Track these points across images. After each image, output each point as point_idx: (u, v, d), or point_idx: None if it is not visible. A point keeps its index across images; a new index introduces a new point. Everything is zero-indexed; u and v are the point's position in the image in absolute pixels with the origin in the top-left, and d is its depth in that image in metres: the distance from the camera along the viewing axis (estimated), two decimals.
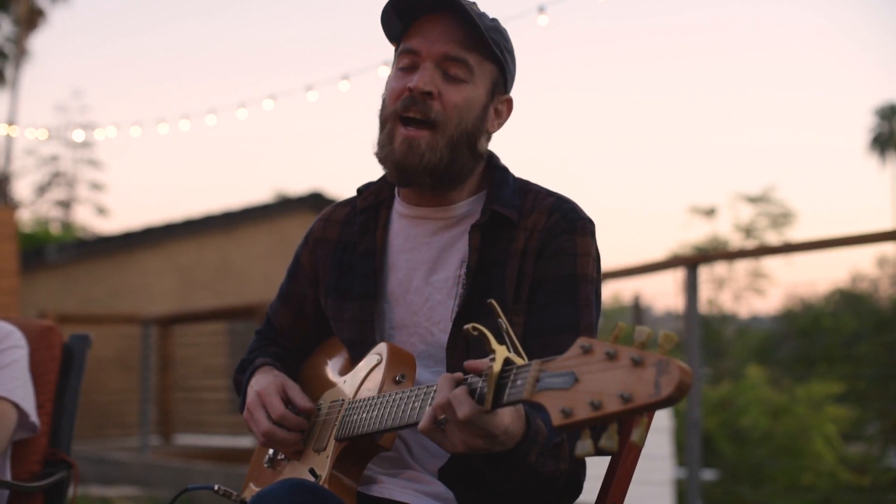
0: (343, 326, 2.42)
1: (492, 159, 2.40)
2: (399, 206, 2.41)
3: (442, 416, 1.89)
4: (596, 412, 1.58)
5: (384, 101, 2.32)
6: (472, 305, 2.24)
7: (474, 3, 2.31)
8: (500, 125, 2.37)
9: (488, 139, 2.36)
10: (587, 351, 1.64)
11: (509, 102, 2.38)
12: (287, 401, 2.35)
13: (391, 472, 2.29)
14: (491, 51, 2.26)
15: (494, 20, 2.32)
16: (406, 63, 2.28)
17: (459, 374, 1.92)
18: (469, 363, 1.90)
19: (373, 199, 2.45)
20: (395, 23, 2.31)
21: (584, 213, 2.31)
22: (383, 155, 2.29)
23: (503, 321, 1.88)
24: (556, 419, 1.63)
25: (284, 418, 2.31)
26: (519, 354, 1.84)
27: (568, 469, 2.09)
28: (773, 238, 22.77)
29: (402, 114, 2.24)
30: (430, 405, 1.95)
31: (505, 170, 2.38)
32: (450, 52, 2.24)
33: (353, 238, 2.45)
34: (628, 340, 1.60)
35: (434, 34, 2.25)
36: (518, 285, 2.24)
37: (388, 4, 2.27)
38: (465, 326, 1.87)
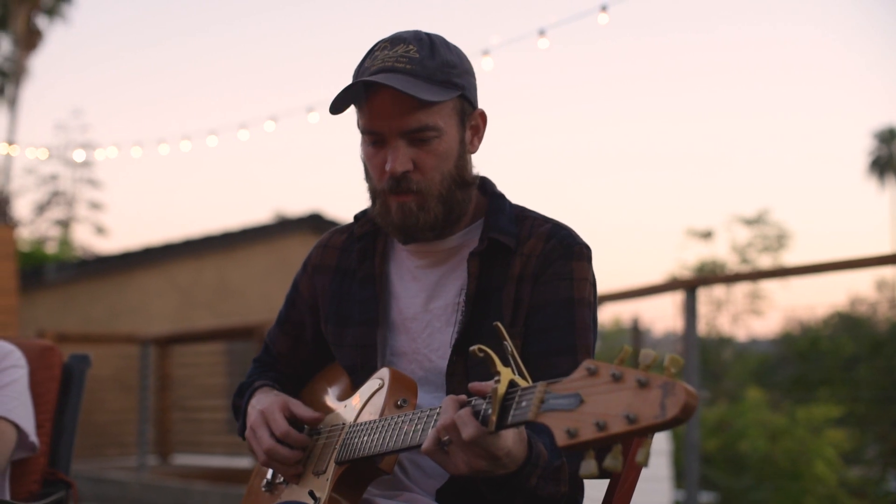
0: (344, 352, 2.42)
1: (487, 186, 2.41)
2: None
3: (446, 438, 1.90)
4: (601, 433, 1.59)
5: (366, 169, 2.32)
6: (470, 332, 2.25)
7: (410, 45, 2.26)
8: (480, 140, 2.37)
9: (471, 159, 2.36)
10: (593, 373, 1.65)
11: (482, 115, 2.37)
12: (291, 418, 2.35)
13: (388, 493, 2.29)
14: (446, 94, 2.24)
15: (434, 51, 2.26)
16: (372, 140, 2.27)
17: (464, 396, 1.93)
18: (473, 385, 1.90)
19: (370, 226, 2.46)
20: (347, 103, 2.29)
21: (581, 239, 2.32)
22: (384, 223, 2.31)
23: (508, 343, 1.89)
24: (561, 439, 1.63)
25: (288, 435, 2.31)
26: (523, 377, 1.85)
27: (568, 490, 2.10)
28: (769, 260, 22.79)
29: (390, 192, 2.26)
30: (433, 427, 1.96)
31: (501, 197, 2.39)
32: (409, 126, 2.22)
33: (352, 265, 2.46)
34: (633, 364, 1.62)
35: (387, 111, 2.22)
36: (515, 311, 2.25)
37: (333, 104, 2.25)
38: (471, 348, 1.87)
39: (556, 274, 2.26)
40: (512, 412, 1.79)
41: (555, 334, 2.23)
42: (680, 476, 8.03)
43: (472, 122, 2.34)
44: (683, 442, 6.54)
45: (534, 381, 1.79)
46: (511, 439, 1.90)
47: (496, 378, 1.83)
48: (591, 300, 2.30)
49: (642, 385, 1.57)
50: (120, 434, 12.84)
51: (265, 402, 2.39)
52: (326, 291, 2.48)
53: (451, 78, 2.26)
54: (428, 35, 2.30)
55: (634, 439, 1.60)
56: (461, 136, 2.30)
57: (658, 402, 1.54)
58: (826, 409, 12.44)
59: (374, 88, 2.23)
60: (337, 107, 2.28)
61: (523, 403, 1.77)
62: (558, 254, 2.27)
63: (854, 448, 12.68)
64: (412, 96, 2.18)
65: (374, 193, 2.31)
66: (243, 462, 10.19)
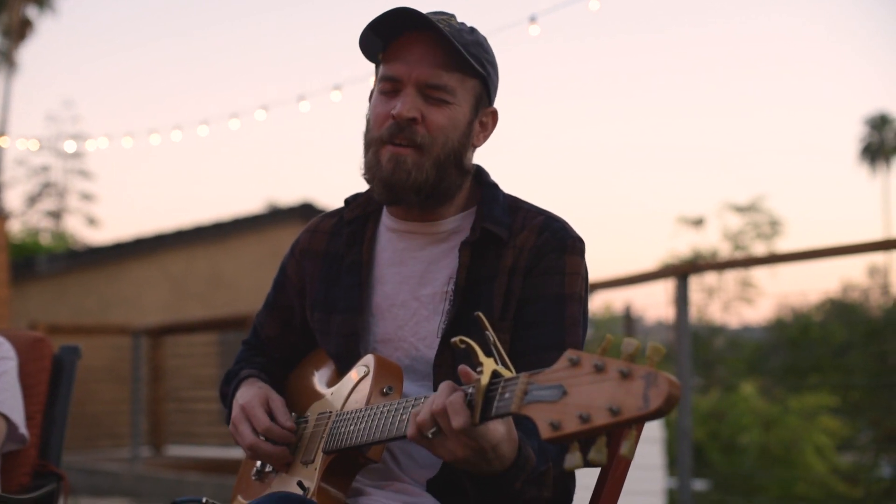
0: (329, 339, 2.41)
1: (481, 175, 2.40)
2: (387, 220, 2.41)
3: (433, 429, 1.89)
4: (584, 425, 1.58)
5: (369, 122, 2.31)
6: (459, 322, 2.24)
7: (452, 16, 2.30)
8: (486, 137, 2.37)
9: (474, 152, 2.36)
10: (575, 363, 1.64)
11: (494, 114, 2.37)
12: (271, 414, 2.34)
13: (379, 483, 2.28)
14: (472, 68, 2.24)
15: (473, 31, 2.30)
16: (388, 88, 2.27)
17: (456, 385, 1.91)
18: (463, 368, 1.89)
19: (360, 210, 2.44)
20: (374, 42, 2.30)
21: (574, 232, 2.30)
22: (371, 175, 2.29)
23: (490, 334, 1.88)
24: (545, 432, 1.62)
25: (270, 431, 2.30)
26: (507, 367, 1.83)
27: (551, 495, 2.09)
28: (761, 248, 22.78)
29: (388, 141, 2.24)
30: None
31: (495, 186, 2.37)
32: (430, 79, 2.22)
33: (340, 250, 2.44)
34: (616, 353, 1.60)
35: (413, 58, 2.23)
36: (505, 303, 2.24)
37: (367, 27, 2.25)
38: (453, 339, 1.86)
39: (548, 268, 2.25)
40: (495, 403, 1.78)
41: (543, 329, 2.22)
42: (673, 464, 8.04)
43: (483, 116, 2.34)
44: (676, 429, 6.54)
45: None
46: (500, 435, 1.89)
47: (479, 369, 1.82)
48: (583, 295, 2.28)
49: (625, 376, 1.55)
50: (113, 425, 12.83)
51: (247, 397, 2.38)
52: (315, 277, 2.47)
53: (481, 59, 2.27)
54: (472, 25, 2.33)
55: (619, 431, 1.59)
56: (471, 119, 2.30)
57: (641, 394, 1.53)
58: (819, 397, 12.47)
59: (405, 31, 2.25)
60: (367, 40, 2.28)
61: (506, 395, 1.76)
62: (551, 247, 2.26)
63: (847, 435, 12.71)
64: (445, 46, 2.20)
65: (369, 144, 2.29)
66: (237, 453, 10.18)
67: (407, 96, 2.23)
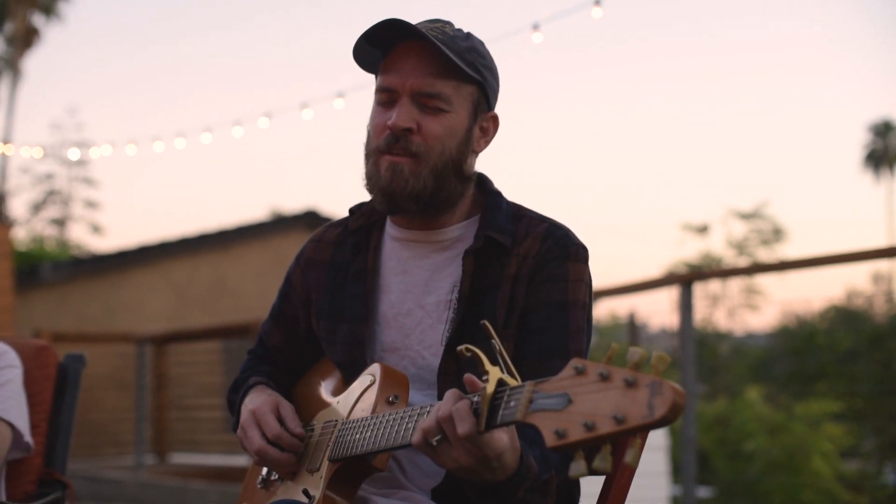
0: (335, 348, 2.42)
1: (484, 183, 2.40)
2: (390, 229, 2.42)
3: (437, 437, 1.90)
4: (589, 433, 1.58)
5: (369, 134, 2.32)
6: (463, 330, 2.24)
7: (447, 24, 2.30)
8: (487, 143, 2.37)
9: (475, 158, 2.36)
10: (580, 372, 1.64)
11: (495, 119, 2.37)
12: (281, 420, 2.34)
13: (384, 491, 2.29)
14: (467, 74, 2.25)
15: (469, 37, 2.30)
16: (384, 99, 2.28)
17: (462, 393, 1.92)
18: (468, 376, 1.90)
19: (365, 219, 2.45)
20: (371, 53, 2.31)
21: (578, 240, 2.31)
22: (371, 185, 2.30)
23: (496, 342, 1.88)
24: (550, 440, 1.63)
25: (280, 438, 2.30)
26: (512, 376, 1.84)
27: (555, 502, 2.09)
28: (765, 255, 22.77)
29: (385, 151, 2.25)
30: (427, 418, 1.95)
31: (498, 194, 2.38)
32: (423, 88, 2.23)
33: (346, 259, 2.45)
34: (622, 361, 1.61)
35: (407, 68, 2.24)
36: (509, 311, 2.24)
37: (360, 38, 2.26)
38: (459, 348, 1.87)
39: (552, 275, 2.25)
40: (501, 412, 1.79)
41: (547, 336, 2.22)
42: (677, 471, 8.03)
43: (483, 122, 2.34)
44: (680, 437, 6.53)
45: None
46: (503, 444, 1.90)
47: (484, 377, 1.82)
48: (586, 302, 2.29)
49: (630, 384, 1.56)
50: (117, 433, 12.86)
51: (257, 402, 2.38)
52: (320, 286, 2.47)
53: (477, 64, 2.27)
54: (469, 31, 2.33)
55: (623, 439, 1.60)
56: (469, 125, 2.30)
57: (646, 402, 1.54)
58: (823, 404, 12.45)
59: (400, 41, 2.26)
60: (361, 51, 2.30)
61: (512, 403, 1.76)
62: (554, 254, 2.26)
63: (851, 442, 12.69)
64: (437, 55, 2.21)
65: (369, 154, 2.31)
66: (240, 460, 10.19)
67: (402, 106, 2.24)
